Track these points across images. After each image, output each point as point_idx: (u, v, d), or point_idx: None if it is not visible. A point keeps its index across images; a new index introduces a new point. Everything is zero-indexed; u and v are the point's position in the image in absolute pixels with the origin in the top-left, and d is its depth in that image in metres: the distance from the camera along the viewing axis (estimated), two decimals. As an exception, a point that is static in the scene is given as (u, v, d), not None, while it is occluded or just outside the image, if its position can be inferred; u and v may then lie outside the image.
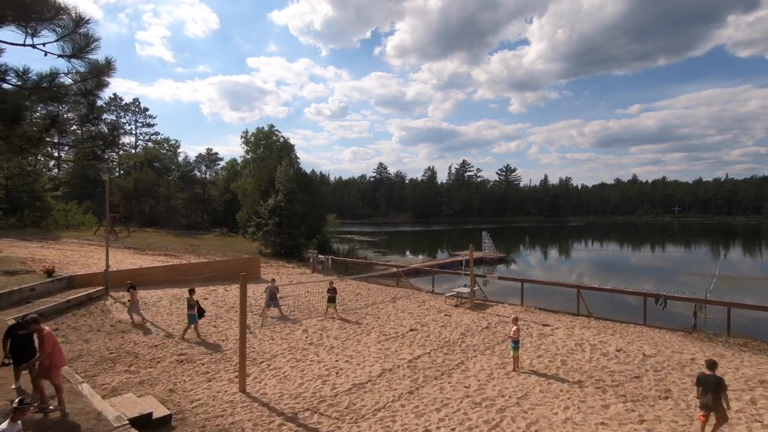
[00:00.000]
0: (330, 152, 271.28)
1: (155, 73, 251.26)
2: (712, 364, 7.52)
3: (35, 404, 6.84)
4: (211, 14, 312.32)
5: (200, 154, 75.49)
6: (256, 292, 19.25)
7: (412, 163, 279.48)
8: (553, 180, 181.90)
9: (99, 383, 9.55)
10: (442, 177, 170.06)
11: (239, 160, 68.87)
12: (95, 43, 4.47)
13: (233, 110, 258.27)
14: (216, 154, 75.57)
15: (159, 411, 7.87)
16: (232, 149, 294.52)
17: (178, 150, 75.19)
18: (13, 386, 7.78)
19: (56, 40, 4.34)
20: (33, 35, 4.24)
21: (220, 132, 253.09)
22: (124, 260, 26.40)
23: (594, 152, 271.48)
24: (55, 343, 7.21)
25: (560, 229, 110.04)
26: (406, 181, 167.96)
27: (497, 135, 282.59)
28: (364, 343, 13.05)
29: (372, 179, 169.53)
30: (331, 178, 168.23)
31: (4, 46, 4.28)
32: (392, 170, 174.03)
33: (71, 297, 16.25)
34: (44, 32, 4.29)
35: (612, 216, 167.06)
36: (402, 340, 13.35)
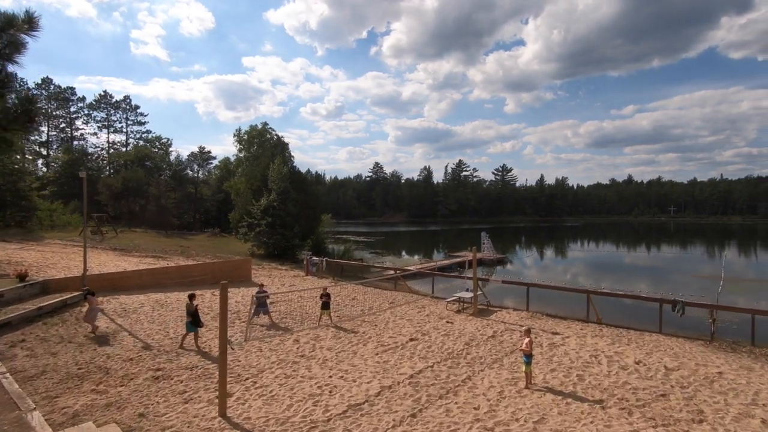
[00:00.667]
0: (326, 152, 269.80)
1: (150, 72, 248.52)
2: None
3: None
4: (207, 13, 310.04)
5: (192, 152, 74.04)
6: (246, 297, 18.13)
7: (408, 163, 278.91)
8: (549, 180, 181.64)
9: (60, 406, 8.40)
10: (438, 177, 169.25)
11: (232, 159, 67.51)
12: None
13: (228, 110, 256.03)
14: (209, 152, 74.23)
15: (122, 444, 6.76)
16: (227, 149, 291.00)
17: (170, 149, 73.68)
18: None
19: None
20: None
21: (215, 132, 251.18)
22: (107, 262, 25.15)
23: (588, 152, 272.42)
24: None
25: (557, 229, 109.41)
26: (402, 181, 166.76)
27: (493, 135, 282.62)
28: (361, 355, 11.96)
29: (368, 179, 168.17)
30: (327, 177, 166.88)
31: None
32: (388, 170, 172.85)
33: (44, 304, 15.04)
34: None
35: (608, 216, 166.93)
36: (402, 351, 12.28)
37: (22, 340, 12.10)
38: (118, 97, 78.41)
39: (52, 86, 71.62)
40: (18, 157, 52.29)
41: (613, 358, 11.66)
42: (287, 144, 55.55)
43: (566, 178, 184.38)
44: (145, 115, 78.39)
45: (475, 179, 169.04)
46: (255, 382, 9.92)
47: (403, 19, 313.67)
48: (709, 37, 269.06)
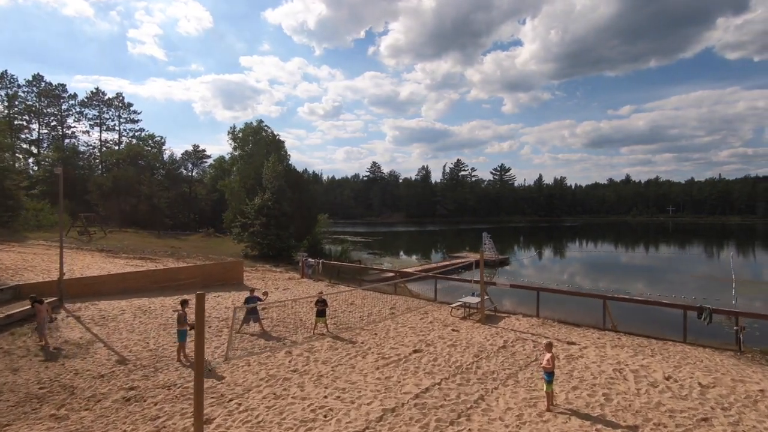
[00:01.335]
0: (323, 152, 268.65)
1: (147, 72, 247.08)
2: None
3: None
4: (204, 12, 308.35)
5: (186, 151, 72.38)
6: (237, 302, 16.92)
7: (405, 163, 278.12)
8: (548, 180, 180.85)
9: (8, 438, 7.20)
10: (436, 177, 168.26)
11: (227, 158, 66.05)
12: None
13: (226, 109, 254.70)
14: (203, 151, 72.69)
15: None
16: (224, 148, 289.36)
17: (164, 147, 72.10)
18: None
19: None
20: None
21: (212, 131, 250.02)
22: (92, 264, 23.85)
23: (585, 152, 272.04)
24: None
25: (556, 229, 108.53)
26: (400, 181, 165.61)
27: (490, 135, 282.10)
28: (360, 369, 10.78)
29: (365, 179, 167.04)
30: (324, 177, 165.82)
31: None
32: (386, 170, 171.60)
33: (14, 311, 13.79)
34: None
35: (607, 216, 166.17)
36: (405, 364, 11.11)
37: (-18, 354, 10.87)
38: (110, 94, 76.85)
39: (42, 83, 69.99)
40: (8, 155, 50.84)
41: (639, 373, 10.53)
42: (283, 142, 54.11)
43: (565, 178, 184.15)
44: (138, 113, 76.76)
45: (473, 179, 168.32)
46: (240, 404, 8.71)
47: (401, 19, 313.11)
48: (706, 38, 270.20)
